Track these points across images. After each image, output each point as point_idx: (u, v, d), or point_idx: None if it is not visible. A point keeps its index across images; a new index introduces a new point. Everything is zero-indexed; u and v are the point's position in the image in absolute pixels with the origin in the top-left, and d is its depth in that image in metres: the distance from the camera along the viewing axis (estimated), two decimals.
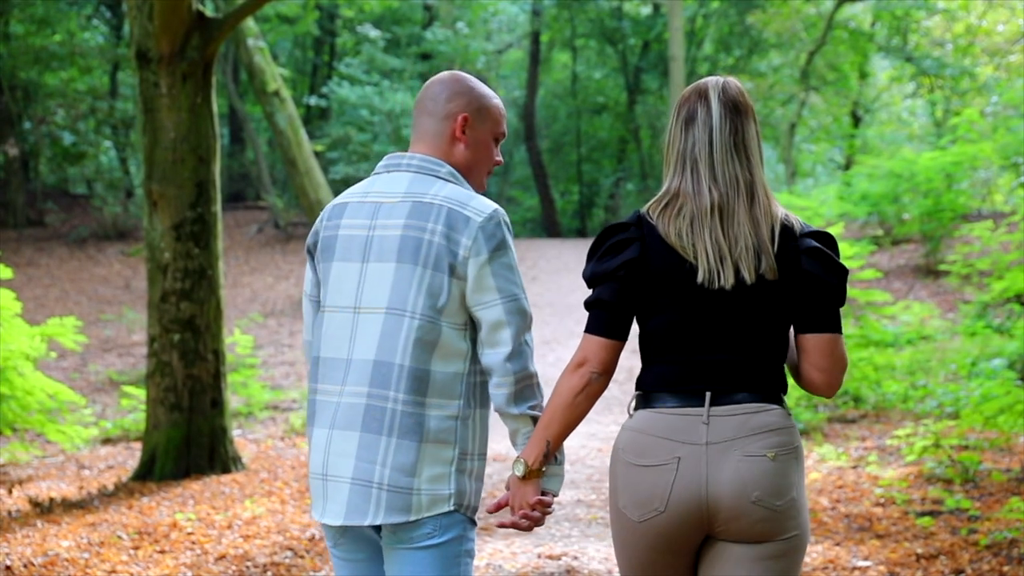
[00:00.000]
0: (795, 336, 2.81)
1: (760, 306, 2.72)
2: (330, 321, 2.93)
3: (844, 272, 2.77)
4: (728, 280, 2.68)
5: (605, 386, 2.80)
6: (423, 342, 2.84)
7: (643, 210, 2.79)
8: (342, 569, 3.00)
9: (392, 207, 2.89)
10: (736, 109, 2.76)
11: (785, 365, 2.85)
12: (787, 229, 2.73)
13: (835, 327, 2.75)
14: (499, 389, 2.88)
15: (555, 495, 2.90)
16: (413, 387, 2.83)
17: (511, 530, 6.44)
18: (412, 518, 2.83)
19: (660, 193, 2.80)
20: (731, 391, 2.71)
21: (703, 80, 2.83)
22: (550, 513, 2.90)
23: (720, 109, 2.75)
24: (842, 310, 2.76)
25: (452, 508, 2.86)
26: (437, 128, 2.97)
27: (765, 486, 2.65)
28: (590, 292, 2.84)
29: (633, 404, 2.83)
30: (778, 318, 2.75)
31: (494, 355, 2.86)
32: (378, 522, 2.82)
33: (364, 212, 2.92)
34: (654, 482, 2.68)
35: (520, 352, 2.87)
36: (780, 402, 2.77)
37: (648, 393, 2.78)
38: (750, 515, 2.65)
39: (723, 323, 2.72)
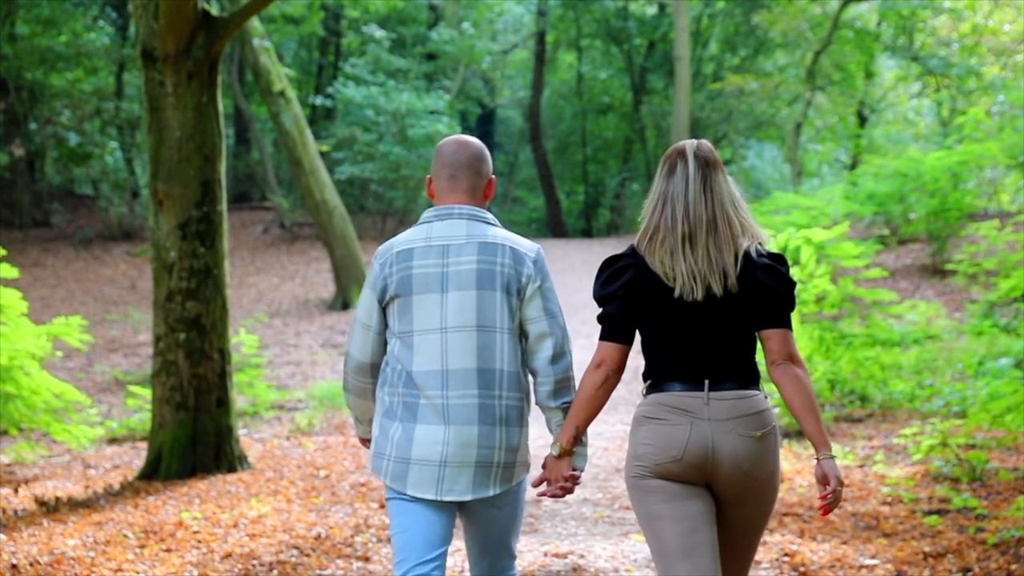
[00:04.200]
0: (759, 333, 3.54)
1: (728, 313, 3.47)
2: (420, 342, 3.63)
3: (792, 283, 3.54)
4: (699, 294, 3.45)
5: (619, 380, 3.55)
6: (512, 350, 3.65)
7: (635, 243, 3.56)
8: (422, 520, 3.65)
9: (460, 247, 3.65)
10: (707, 164, 3.53)
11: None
12: (747, 255, 3.49)
13: (786, 324, 3.52)
14: (542, 387, 3.70)
15: (581, 471, 3.68)
16: (512, 386, 3.66)
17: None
18: (513, 484, 3.70)
19: (643, 228, 3.55)
20: (721, 379, 3.46)
21: (682, 142, 3.60)
22: (579, 484, 3.69)
23: (695, 163, 3.52)
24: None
25: (527, 471, 3.77)
26: (477, 185, 3.75)
27: (751, 461, 3.42)
28: (600, 309, 3.56)
29: (645, 390, 3.54)
30: (745, 322, 3.50)
31: (540, 360, 3.68)
32: (496, 492, 3.65)
33: (434, 253, 3.65)
34: (672, 435, 3.43)
35: (561, 358, 3.69)
36: (758, 387, 3.52)
37: (657, 382, 3.51)
38: (741, 483, 3.44)
39: (701, 327, 3.47)
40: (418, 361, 3.62)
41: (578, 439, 3.61)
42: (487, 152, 3.80)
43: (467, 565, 6.01)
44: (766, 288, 3.48)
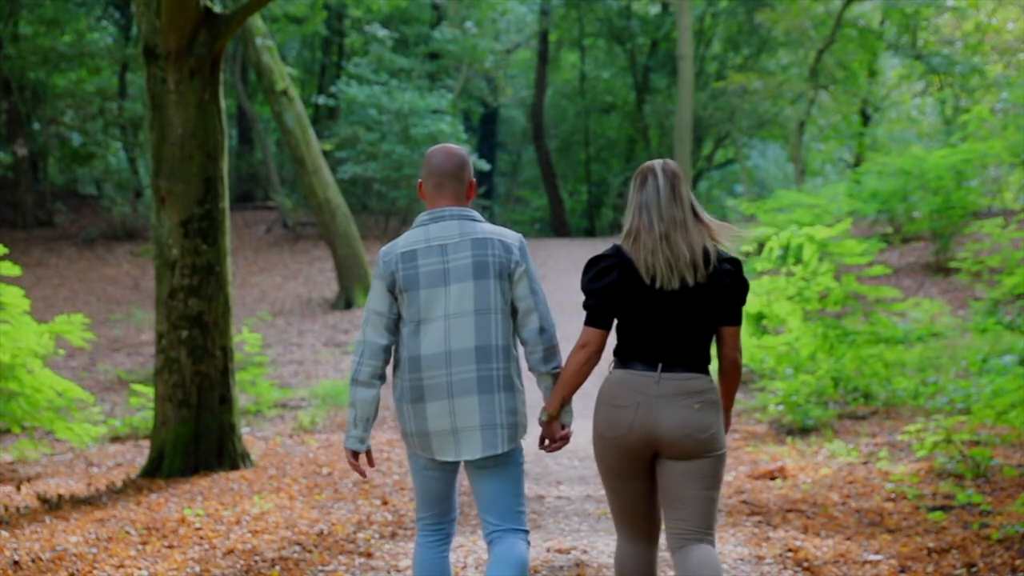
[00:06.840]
0: (718, 329, 4.24)
1: (695, 303, 4.15)
2: (426, 329, 4.25)
3: (747, 284, 4.30)
4: (675, 284, 4.13)
5: (599, 358, 4.25)
6: (504, 327, 4.28)
7: (619, 244, 4.21)
8: (433, 483, 4.35)
9: (456, 245, 4.27)
10: (675, 176, 4.23)
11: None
12: (716, 256, 4.18)
13: (740, 321, 4.30)
14: (533, 354, 4.33)
15: (569, 425, 4.39)
16: (504, 357, 4.27)
17: None
18: (519, 441, 4.33)
19: (625, 231, 4.21)
20: (674, 363, 4.16)
21: (650, 162, 4.30)
22: (571, 433, 4.41)
23: (663, 176, 4.21)
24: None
25: (526, 432, 4.37)
26: (461, 189, 4.37)
27: (692, 426, 4.14)
28: (586, 298, 4.22)
29: (613, 365, 4.28)
30: (705, 313, 4.18)
31: (529, 331, 4.32)
32: (506, 450, 4.26)
33: (434, 252, 4.26)
34: (621, 416, 4.17)
35: (546, 329, 4.33)
36: (706, 372, 4.21)
37: (623, 359, 4.23)
38: (683, 443, 4.14)
39: (670, 317, 4.14)
40: (425, 345, 4.25)
41: (563, 406, 4.33)
42: (468, 160, 4.44)
43: (469, 561, 6.02)
44: (729, 290, 4.19)
